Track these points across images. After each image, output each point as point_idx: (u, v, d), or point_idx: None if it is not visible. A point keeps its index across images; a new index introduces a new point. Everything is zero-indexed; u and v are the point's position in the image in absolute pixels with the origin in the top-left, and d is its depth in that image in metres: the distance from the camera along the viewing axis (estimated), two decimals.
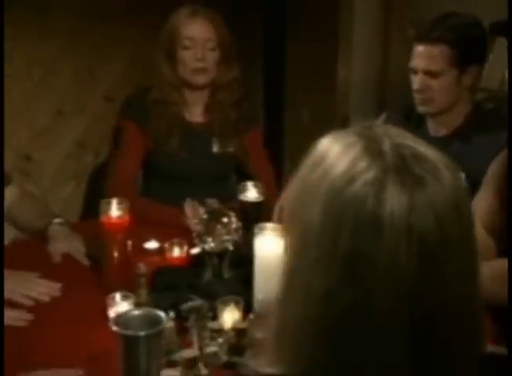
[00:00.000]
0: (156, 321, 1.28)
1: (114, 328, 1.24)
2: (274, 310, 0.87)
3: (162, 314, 1.29)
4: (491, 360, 0.89)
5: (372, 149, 0.77)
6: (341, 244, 0.74)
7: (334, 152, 0.79)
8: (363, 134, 0.80)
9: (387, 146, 0.77)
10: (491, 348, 1.46)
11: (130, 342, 1.23)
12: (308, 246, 0.78)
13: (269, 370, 0.85)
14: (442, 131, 2.13)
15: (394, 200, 0.73)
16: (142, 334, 1.24)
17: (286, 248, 0.83)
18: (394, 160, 0.75)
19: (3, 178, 1.27)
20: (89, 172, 3.37)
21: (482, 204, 1.97)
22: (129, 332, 1.24)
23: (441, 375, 0.78)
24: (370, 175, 0.74)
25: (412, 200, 0.73)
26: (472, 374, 0.80)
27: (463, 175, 2.06)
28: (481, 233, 1.93)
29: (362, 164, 0.75)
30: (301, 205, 0.80)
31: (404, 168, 0.75)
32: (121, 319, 1.27)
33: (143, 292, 1.56)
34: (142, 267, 1.59)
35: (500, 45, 2.69)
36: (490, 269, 1.75)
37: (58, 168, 3.42)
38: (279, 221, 0.87)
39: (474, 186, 2.00)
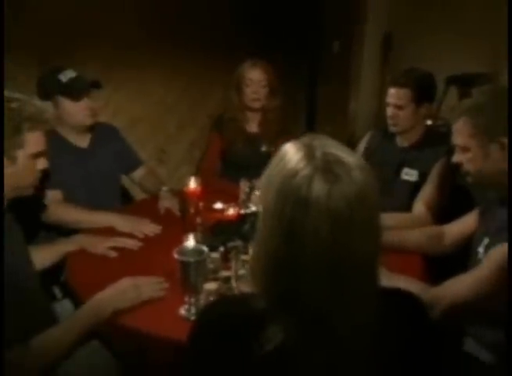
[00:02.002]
0: (202, 252, 1.26)
1: (175, 256, 1.24)
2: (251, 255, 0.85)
3: (205, 248, 1.27)
4: (386, 293, 0.83)
5: (309, 154, 0.73)
6: (285, 216, 0.71)
7: (290, 154, 0.75)
8: (306, 144, 0.76)
9: (318, 153, 0.73)
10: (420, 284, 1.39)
11: (184, 265, 1.22)
12: (266, 217, 0.75)
13: (247, 289, 0.82)
14: (405, 144, 2.02)
15: (319, 189, 0.69)
16: (192, 260, 1.23)
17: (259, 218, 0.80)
18: (322, 163, 0.71)
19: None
20: (196, 161, 3.40)
21: (426, 191, 1.89)
22: (183, 258, 1.23)
23: (347, 300, 0.73)
24: (305, 171, 0.71)
25: (330, 190, 0.69)
26: (371, 301, 0.75)
27: (415, 172, 1.99)
28: (422, 210, 1.85)
29: (302, 164, 0.72)
30: (265, 189, 0.77)
31: (327, 169, 0.71)
32: (181, 250, 1.26)
33: (199, 235, 1.54)
34: (199, 220, 1.59)
35: (452, 90, 2.56)
36: (425, 233, 1.68)
37: (179, 158, 3.47)
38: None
39: (423, 179, 1.92)
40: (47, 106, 1.29)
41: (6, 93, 1.22)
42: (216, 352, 0.78)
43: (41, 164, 1.29)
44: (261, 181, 0.80)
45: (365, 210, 0.71)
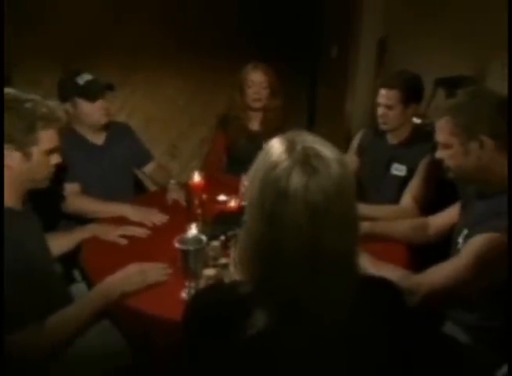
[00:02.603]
0: (200, 241, 1.25)
1: (176, 245, 1.22)
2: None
3: (204, 238, 1.26)
4: (368, 280, 0.81)
5: (290, 148, 0.70)
6: (266, 207, 0.68)
7: (274, 148, 0.72)
8: (289, 139, 0.73)
9: (299, 147, 0.70)
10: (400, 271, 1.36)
11: (184, 253, 1.21)
12: (251, 207, 0.73)
13: (236, 277, 0.80)
14: (395, 141, 1.98)
15: (297, 182, 0.66)
16: (191, 248, 1.22)
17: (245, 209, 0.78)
18: (301, 156, 0.68)
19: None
20: (204, 156, 3.37)
21: (414, 185, 1.86)
22: (183, 247, 1.22)
23: (325, 290, 0.70)
24: (285, 164, 0.68)
25: (308, 182, 0.66)
26: (349, 291, 0.72)
27: (404, 168, 1.94)
28: (410, 202, 1.82)
29: (282, 157, 0.69)
30: (250, 181, 0.74)
31: (306, 162, 0.67)
32: (181, 239, 1.25)
33: (200, 224, 1.52)
34: (199, 210, 1.57)
35: (440, 92, 2.50)
36: (411, 223, 1.65)
37: (190, 153, 3.45)
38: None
39: (411, 174, 1.88)
40: (58, 106, 1.26)
41: (21, 94, 1.21)
42: (203, 336, 0.76)
43: (55, 159, 1.28)
44: (249, 173, 0.78)
45: (342, 203, 0.69)
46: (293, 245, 0.67)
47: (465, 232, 1.31)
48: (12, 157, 1.18)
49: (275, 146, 0.72)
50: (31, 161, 1.21)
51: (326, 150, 0.71)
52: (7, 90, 1.21)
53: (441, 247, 1.51)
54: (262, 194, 0.69)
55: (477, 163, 1.27)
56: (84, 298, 1.26)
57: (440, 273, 1.25)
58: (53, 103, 1.24)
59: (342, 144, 2.64)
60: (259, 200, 0.69)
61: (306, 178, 0.66)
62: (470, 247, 1.22)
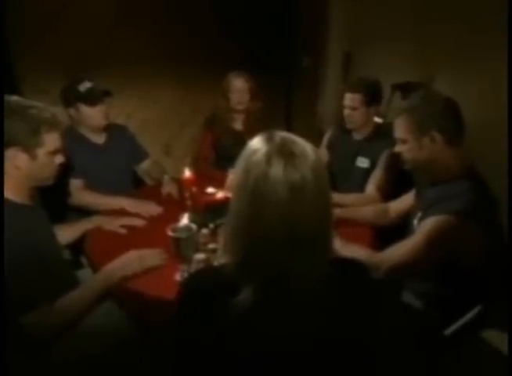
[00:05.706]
0: (191, 229, 1.22)
1: (169, 233, 1.19)
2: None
3: (194, 226, 1.23)
4: (339, 259, 0.79)
5: (269, 138, 0.69)
6: (249, 187, 0.66)
7: (255, 140, 0.72)
8: (268, 133, 0.72)
9: (277, 137, 0.69)
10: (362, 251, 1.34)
11: (176, 240, 1.19)
12: (236, 190, 0.70)
13: (222, 260, 0.78)
14: (359, 137, 1.97)
15: (276, 163, 0.66)
16: (183, 235, 1.19)
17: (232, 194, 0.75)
18: (279, 143, 0.68)
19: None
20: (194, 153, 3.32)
21: (376, 176, 1.85)
22: (175, 235, 1.19)
23: (302, 264, 0.68)
24: (265, 149, 0.67)
25: (286, 164, 0.65)
26: (323, 266, 0.70)
27: (367, 160, 1.94)
28: (373, 190, 1.81)
29: (263, 145, 0.68)
30: (237, 169, 0.72)
31: (284, 147, 0.67)
32: (174, 228, 1.22)
33: (191, 215, 1.48)
34: (189, 202, 1.53)
35: (396, 95, 2.50)
36: (374, 209, 1.64)
37: (182, 151, 3.38)
38: None
39: (374, 166, 1.88)
40: (59, 112, 1.21)
41: (26, 101, 1.15)
42: (195, 316, 0.74)
43: (59, 159, 1.23)
44: (235, 166, 0.74)
45: (316, 182, 0.67)
46: (273, 220, 0.66)
47: (419, 215, 1.31)
48: (19, 158, 1.14)
49: (256, 139, 0.72)
50: (37, 162, 1.16)
51: (300, 140, 0.71)
52: (13, 98, 1.16)
53: (400, 228, 1.52)
54: (245, 177, 0.68)
55: (429, 155, 1.27)
56: (88, 282, 1.23)
57: (398, 251, 1.26)
58: (55, 110, 1.19)
59: (315, 140, 2.63)
60: (243, 182, 0.68)
61: (284, 161, 0.66)
62: (423, 227, 1.22)
